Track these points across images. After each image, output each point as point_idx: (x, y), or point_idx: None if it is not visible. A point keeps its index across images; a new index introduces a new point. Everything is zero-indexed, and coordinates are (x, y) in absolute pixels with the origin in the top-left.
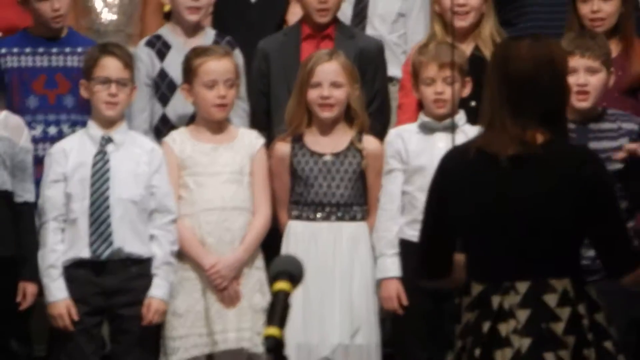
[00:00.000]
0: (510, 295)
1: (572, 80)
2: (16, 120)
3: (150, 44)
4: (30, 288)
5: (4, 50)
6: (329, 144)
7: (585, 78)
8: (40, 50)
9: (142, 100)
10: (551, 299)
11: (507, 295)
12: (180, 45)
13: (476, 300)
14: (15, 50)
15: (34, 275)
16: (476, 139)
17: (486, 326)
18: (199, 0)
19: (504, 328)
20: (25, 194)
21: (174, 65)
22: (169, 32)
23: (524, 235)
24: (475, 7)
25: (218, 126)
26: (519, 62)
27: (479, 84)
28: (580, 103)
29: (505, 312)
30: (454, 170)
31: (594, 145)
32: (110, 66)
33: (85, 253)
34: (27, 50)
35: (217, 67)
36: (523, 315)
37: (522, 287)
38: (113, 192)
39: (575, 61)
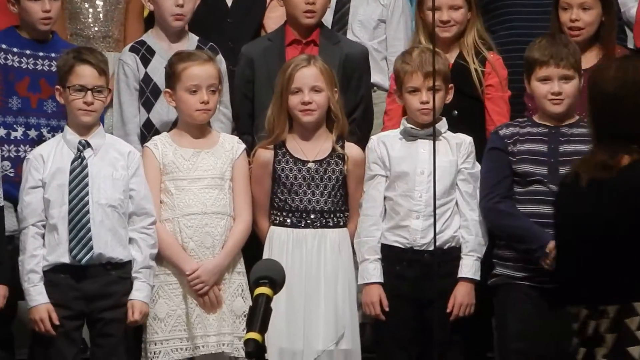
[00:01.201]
0: (603, 320)
1: (546, 88)
2: None
3: (134, 49)
4: (1, 291)
5: None
6: (311, 150)
7: (560, 86)
8: (27, 52)
9: (133, 105)
10: (633, 323)
11: (600, 319)
12: (164, 50)
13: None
14: (3, 46)
15: (5, 278)
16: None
17: (582, 352)
18: (184, 7)
19: (598, 353)
20: None
21: (158, 71)
22: (152, 37)
23: (611, 258)
24: (459, 21)
25: (200, 131)
26: (603, 84)
27: (461, 92)
28: (554, 107)
29: (599, 337)
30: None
31: (564, 147)
32: (86, 74)
33: (65, 258)
34: (15, 49)
35: (200, 72)
36: (610, 339)
37: (612, 310)
38: (92, 197)
39: (550, 71)
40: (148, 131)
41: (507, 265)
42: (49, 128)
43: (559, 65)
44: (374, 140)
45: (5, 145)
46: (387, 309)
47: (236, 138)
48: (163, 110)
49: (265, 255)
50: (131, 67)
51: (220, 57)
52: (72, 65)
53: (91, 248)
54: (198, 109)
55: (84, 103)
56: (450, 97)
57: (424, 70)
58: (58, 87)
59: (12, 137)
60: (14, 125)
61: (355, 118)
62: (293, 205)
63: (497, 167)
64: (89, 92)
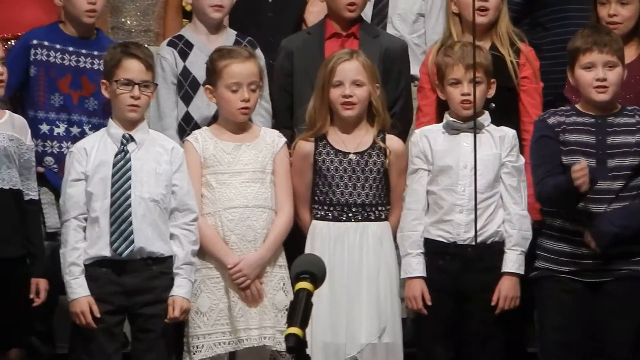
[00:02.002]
0: None
1: (591, 75)
2: (20, 119)
3: (172, 44)
4: (42, 284)
5: (35, 42)
6: (352, 142)
7: (604, 72)
8: (70, 49)
9: (171, 99)
10: None
11: None
12: (202, 44)
13: None
14: (45, 43)
15: (43, 271)
16: None
17: None
18: None
19: None
20: (30, 192)
21: (196, 64)
22: (190, 31)
23: None
24: (494, 5)
25: (240, 126)
26: None
27: (497, 83)
28: (599, 96)
29: None
30: None
31: (612, 139)
32: (133, 68)
33: (106, 252)
34: (57, 46)
35: (241, 70)
36: None
37: None
38: (134, 191)
39: (594, 56)
40: (187, 125)
41: (549, 258)
42: (90, 125)
43: (602, 51)
44: (416, 134)
45: (48, 141)
46: (429, 303)
47: (277, 132)
48: (202, 104)
49: (307, 250)
50: (169, 62)
51: (259, 52)
52: (120, 59)
53: (132, 242)
54: (239, 107)
55: (131, 97)
56: (492, 92)
57: (466, 62)
58: (104, 81)
59: (55, 133)
60: (57, 122)
61: (395, 112)
62: (334, 198)
63: (552, 153)
64: (136, 87)
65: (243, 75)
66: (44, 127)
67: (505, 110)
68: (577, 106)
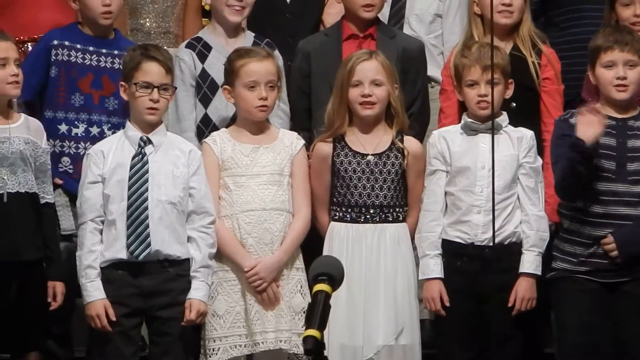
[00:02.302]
0: None
1: (611, 73)
2: (36, 122)
3: (191, 46)
4: (59, 287)
5: (55, 42)
6: (370, 144)
7: (625, 71)
8: (90, 48)
9: (189, 101)
10: None
11: None
12: (220, 46)
13: None
14: (66, 43)
15: (59, 275)
16: None
17: None
18: (243, 1)
19: None
20: (46, 195)
21: (215, 66)
22: (209, 33)
23: None
24: (519, 6)
25: (258, 127)
26: None
27: (518, 83)
28: (619, 94)
29: None
30: None
31: (633, 142)
32: (153, 71)
33: (122, 254)
34: (78, 46)
35: (258, 68)
36: None
37: None
38: (151, 194)
39: (615, 55)
40: (206, 127)
41: (566, 260)
42: (109, 125)
43: (623, 50)
44: (435, 135)
45: (66, 142)
46: (447, 304)
47: (295, 134)
48: (221, 106)
49: (325, 252)
50: (187, 64)
51: (277, 53)
52: (139, 62)
53: (149, 244)
54: (256, 105)
55: (150, 100)
56: (510, 92)
57: (483, 63)
58: (123, 83)
59: (73, 134)
60: (76, 122)
61: (412, 112)
62: (352, 200)
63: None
64: (155, 90)
65: (260, 74)
66: (63, 128)
67: (526, 110)
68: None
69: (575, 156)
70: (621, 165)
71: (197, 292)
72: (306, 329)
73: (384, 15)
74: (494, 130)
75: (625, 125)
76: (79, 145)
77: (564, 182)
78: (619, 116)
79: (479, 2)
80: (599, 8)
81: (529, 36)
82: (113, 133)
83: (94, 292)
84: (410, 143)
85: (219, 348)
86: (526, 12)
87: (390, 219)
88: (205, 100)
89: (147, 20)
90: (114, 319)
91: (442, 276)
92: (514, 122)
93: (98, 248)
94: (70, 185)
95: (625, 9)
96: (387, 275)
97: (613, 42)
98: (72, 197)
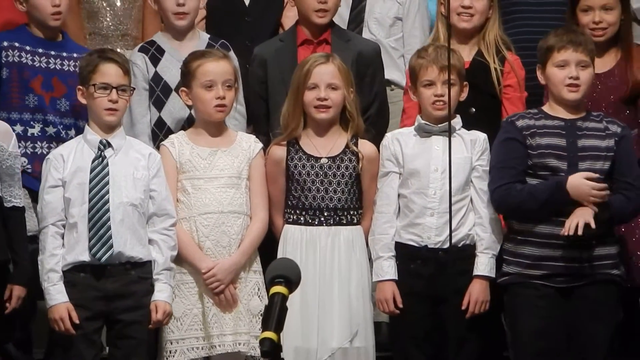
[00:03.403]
0: None
1: (564, 73)
2: (4, 126)
3: (143, 49)
4: (16, 290)
5: (5, 44)
6: (324, 147)
7: (577, 71)
8: (40, 50)
9: (143, 105)
10: None
11: None
12: (173, 49)
13: None
14: (16, 44)
15: (23, 279)
16: None
17: None
18: (185, 6)
19: None
20: (13, 199)
21: (168, 70)
22: (162, 37)
23: None
24: (480, 10)
25: (217, 130)
26: None
27: (478, 89)
28: (571, 95)
29: None
30: None
31: (583, 142)
32: (111, 72)
33: (85, 256)
34: (27, 47)
35: (215, 68)
36: None
37: None
38: (112, 196)
39: (568, 55)
40: (160, 130)
41: (519, 263)
42: (62, 126)
43: (577, 50)
44: (388, 137)
45: (22, 142)
46: (400, 305)
47: (253, 137)
48: (175, 109)
49: (279, 254)
50: (140, 68)
51: (232, 54)
52: (97, 64)
53: (111, 246)
54: (214, 105)
55: (108, 101)
56: (464, 95)
57: (440, 64)
58: (80, 87)
59: (29, 134)
60: (31, 122)
61: (370, 115)
62: (306, 203)
63: (513, 158)
64: (114, 91)
65: (217, 73)
66: (18, 128)
67: (486, 116)
68: (545, 109)
69: (555, 198)
70: (572, 165)
71: (161, 294)
72: (263, 331)
73: (344, 18)
74: (450, 132)
75: (574, 126)
76: (36, 145)
77: (512, 209)
78: (568, 117)
79: (444, 3)
80: (533, 10)
81: (494, 42)
82: (67, 133)
83: (57, 295)
84: (365, 146)
85: (176, 350)
86: (492, 17)
87: (344, 222)
88: (159, 104)
89: (105, 23)
90: (77, 321)
91: (396, 278)
92: (474, 127)
93: (60, 252)
94: (31, 183)
95: (584, 15)
96: (341, 278)
97: (567, 42)
98: (34, 196)
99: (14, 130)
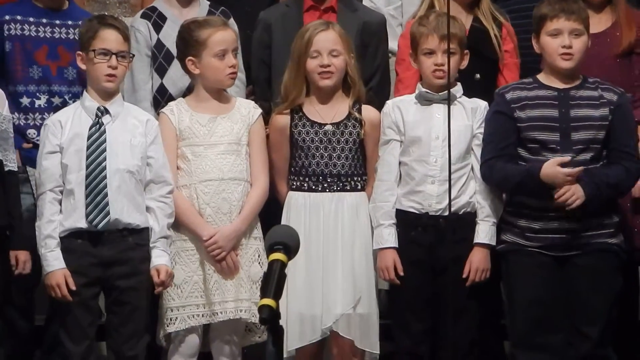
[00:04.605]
0: None
1: (557, 42)
2: None
3: (146, 16)
4: (22, 255)
5: (7, 17)
6: (328, 114)
7: (570, 40)
8: (44, 20)
9: (145, 71)
10: None
11: None
12: (175, 16)
13: None
14: (18, 17)
15: (24, 243)
16: None
17: None
18: None
19: None
20: (9, 163)
21: (170, 37)
22: (163, 3)
23: None
24: None
25: (216, 96)
26: None
27: (481, 55)
28: (564, 63)
29: None
30: None
31: (575, 112)
32: (111, 38)
33: (81, 223)
34: (31, 19)
35: (226, 36)
36: None
37: None
38: (109, 163)
39: (561, 24)
40: (162, 97)
41: (517, 233)
42: (70, 95)
43: (569, 18)
44: (388, 104)
45: (30, 114)
46: (401, 273)
47: (252, 103)
48: (176, 76)
49: (283, 221)
50: (143, 34)
51: (232, 21)
52: (97, 30)
53: (108, 213)
54: (227, 73)
55: (108, 67)
56: (465, 63)
57: (440, 32)
58: (80, 52)
59: (36, 106)
60: (37, 94)
61: (372, 86)
62: (310, 169)
63: (501, 131)
64: (114, 57)
65: (228, 42)
66: (25, 100)
67: (490, 80)
68: (539, 77)
69: (526, 183)
70: (565, 136)
71: (160, 259)
72: (261, 298)
73: None
74: (450, 100)
75: (567, 95)
76: (44, 116)
77: (495, 185)
78: (562, 86)
79: None
80: None
81: (489, 11)
82: (75, 102)
83: (54, 261)
84: (369, 112)
85: (176, 317)
86: None
87: (348, 188)
88: (161, 71)
89: None
90: (73, 288)
91: (397, 245)
92: (478, 93)
93: (57, 218)
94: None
95: None
96: (344, 244)
97: (559, 11)
98: None
99: (20, 103)
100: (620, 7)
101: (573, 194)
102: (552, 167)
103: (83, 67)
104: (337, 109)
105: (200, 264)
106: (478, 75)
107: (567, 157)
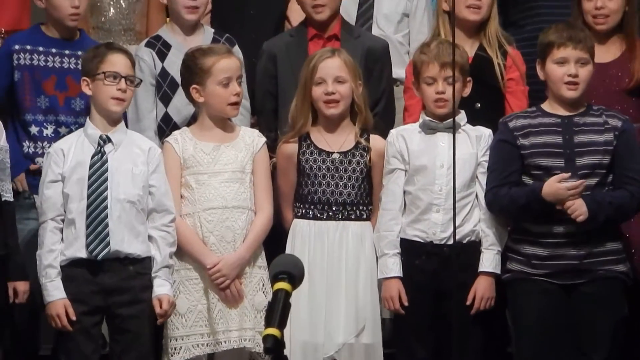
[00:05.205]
0: None
1: (562, 70)
2: None
3: (150, 44)
4: (21, 286)
5: (17, 47)
6: (335, 142)
7: (576, 69)
8: (53, 50)
9: (149, 100)
10: None
11: None
12: (180, 44)
13: None
14: (28, 47)
15: (22, 273)
16: None
17: None
18: (196, 0)
19: None
20: (5, 193)
21: (175, 65)
22: (168, 31)
23: None
24: (487, 3)
25: (221, 125)
26: None
27: (483, 84)
28: (569, 93)
29: None
30: None
31: (579, 138)
32: (120, 62)
33: (82, 253)
34: (40, 49)
35: (230, 64)
36: None
37: None
38: (111, 192)
39: (568, 52)
40: (167, 125)
41: (522, 261)
42: (77, 125)
43: (577, 47)
44: (393, 134)
45: (39, 142)
46: (406, 303)
47: (256, 131)
48: (181, 104)
49: (288, 248)
50: (147, 63)
51: (237, 49)
52: (105, 54)
53: (108, 244)
54: (231, 102)
55: (117, 90)
56: (468, 91)
57: (441, 60)
58: (86, 78)
59: (44, 134)
60: (45, 123)
61: (377, 112)
62: (316, 197)
63: (505, 160)
64: (123, 80)
65: (232, 70)
66: (34, 129)
67: (491, 110)
68: (543, 106)
69: (524, 211)
70: (570, 161)
71: (162, 289)
72: (266, 327)
73: (352, 15)
74: (455, 128)
75: (571, 122)
76: (51, 145)
77: (501, 212)
78: (566, 114)
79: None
80: (553, 5)
81: (495, 37)
82: None
83: (54, 291)
84: (376, 141)
85: (180, 347)
86: (493, 11)
87: (353, 217)
88: (166, 99)
89: (109, 17)
90: (73, 318)
91: (401, 275)
92: (480, 122)
93: (58, 247)
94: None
95: (587, 2)
96: (348, 273)
97: (567, 39)
98: None
99: (30, 132)
100: (631, 40)
101: (576, 210)
102: (552, 184)
103: (89, 92)
104: (345, 137)
105: (204, 293)
106: (478, 105)
107: (566, 174)
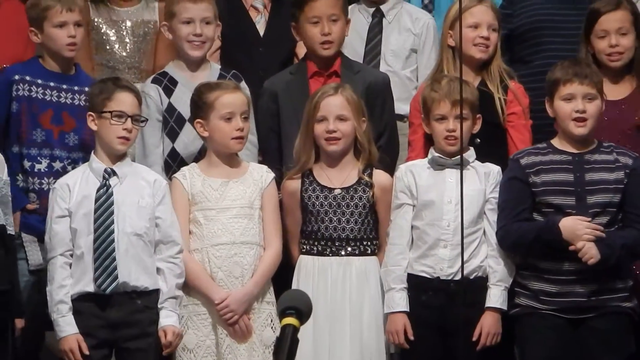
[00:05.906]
0: None
1: (570, 107)
2: None
3: (157, 80)
4: (18, 324)
5: (16, 77)
6: (337, 178)
7: (584, 105)
8: (51, 84)
9: (156, 136)
10: None
11: None
12: (186, 80)
13: None
14: (27, 78)
15: (20, 310)
16: None
17: None
18: (202, 36)
19: None
20: (8, 227)
21: (181, 100)
22: (174, 67)
23: None
24: (494, 41)
25: (229, 161)
26: None
27: (483, 119)
28: (578, 130)
29: None
30: None
31: (590, 176)
32: (127, 101)
33: (90, 287)
34: (39, 81)
35: (234, 99)
36: None
37: None
38: (117, 226)
39: (574, 88)
40: (173, 161)
41: (530, 296)
42: (69, 160)
43: (582, 83)
44: (401, 169)
45: (30, 178)
46: (412, 337)
47: (265, 167)
48: (188, 140)
49: (294, 284)
50: (154, 99)
51: (244, 84)
52: (113, 91)
53: (116, 277)
54: (234, 136)
55: (123, 130)
56: (477, 128)
57: (452, 98)
58: (91, 113)
59: (35, 170)
60: (38, 158)
61: (380, 146)
62: (319, 233)
63: (517, 197)
64: (129, 120)
65: (236, 105)
66: (26, 164)
67: (490, 146)
68: (553, 142)
69: (543, 236)
70: (581, 199)
71: (168, 319)
72: None
73: (359, 52)
74: (462, 165)
75: (582, 160)
76: (42, 181)
77: (512, 250)
78: (576, 151)
79: (453, 35)
80: (561, 41)
81: (498, 72)
82: (74, 168)
83: (66, 327)
84: (380, 176)
85: None
86: (497, 47)
87: (357, 252)
88: (173, 135)
89: (114, 55)
90: (87, 353)
91: (407, 310)
92: (480, 157)
93: (68, 282)
94: (34, 220)
95: (600, 41)
96: (352, 309)
97: (573, 75)
98: (38, 232)
99: (23, 166)
100: None
101: (586, 253)
102: (573, 219)
103: (94, 128)
104: (347, 174)
105: (212, 328)
106: (478, 140)
107: (587, 218)
